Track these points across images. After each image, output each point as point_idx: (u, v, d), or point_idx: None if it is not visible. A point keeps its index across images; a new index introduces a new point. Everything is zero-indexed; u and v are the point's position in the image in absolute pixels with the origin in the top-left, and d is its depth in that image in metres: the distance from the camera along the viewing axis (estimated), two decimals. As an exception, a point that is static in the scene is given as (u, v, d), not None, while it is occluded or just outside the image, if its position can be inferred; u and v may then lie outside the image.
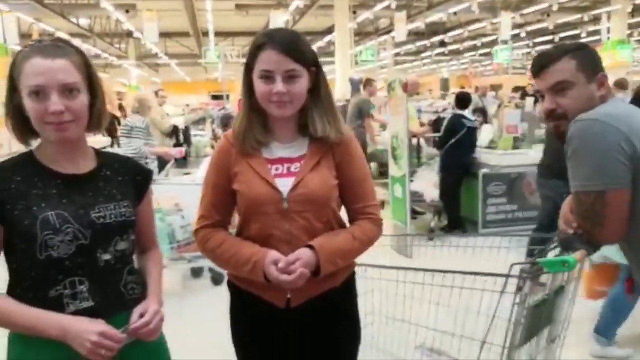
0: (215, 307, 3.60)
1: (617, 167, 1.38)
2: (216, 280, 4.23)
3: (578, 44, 1.62)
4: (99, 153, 1.40)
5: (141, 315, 1.30)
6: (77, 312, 1.24)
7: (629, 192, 1.40)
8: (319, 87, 1.48)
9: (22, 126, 1.27)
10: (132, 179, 1.41)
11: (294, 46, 1.40)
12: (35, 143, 1.32)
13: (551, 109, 1.56)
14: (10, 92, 1.25)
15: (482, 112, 6.82)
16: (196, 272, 4.44)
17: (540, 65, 1.57)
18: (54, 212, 1.22)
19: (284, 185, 1.44)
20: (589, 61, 1.54)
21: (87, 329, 1.19)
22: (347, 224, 1.56)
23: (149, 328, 1.29)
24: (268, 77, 1.39)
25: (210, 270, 4.28)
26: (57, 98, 1.21)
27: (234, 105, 9.74)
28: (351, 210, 1.55)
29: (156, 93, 7.57)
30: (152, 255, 1.50)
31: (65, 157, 1.30)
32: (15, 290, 1.26)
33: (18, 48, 11.32)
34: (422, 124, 7.46)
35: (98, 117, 1.33)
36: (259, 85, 1.41)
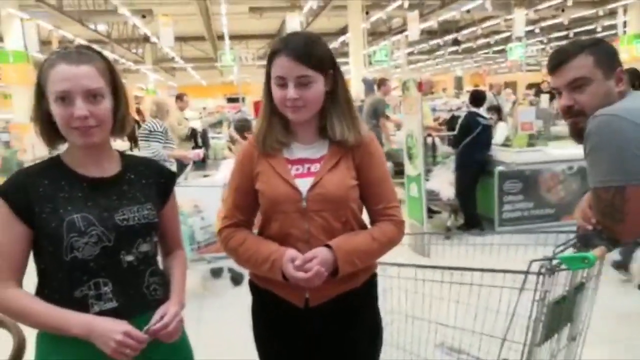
0: (235, 307, 3.66)
1: (636, 163, 1.36)
2: (236, 280, 4.29)
3: (595, 39, 1.59)
4: (123, 156, 1.43)
5: (162, 317, 1.32)
6: (101, 313, 1.27)
7: None
8: (336, 90, 1.50)
9: (50, 131, 1.31)
10: (156, 181, 1.44)
11: (307, 52, 1.40)
12: (63, 147, 1.36)
13: (569, 105, 1.54)
14: (38, 98, 1.29)
15: (496, 110, 6.77)
16: (216, 273, 4.50)
17: (557, 62, 1.55)
18: (80, 215, 1.26)
19: (304, 184, 1.47)
20: (606, 57, 1.52)
21: (112, 329, 1.22)
22: (369, 226, 1.57)
23: (167, 330, 1.31)
24: (282, 83, 1.42)
25: (230, 270, 4.34)
26: (82, 103, 1.24)
27: (250, 107, 9.81)
28: (372, 211, 1.56)
29: (181, 98, 7.65)
30: (177, 256, 1.52)
31: (91, 161, 1.33)
32: (43, 291, 1.30)
33: (39, 55, 11.54)
34: (440, 124, 7.46)
35: (122, 122, 1.36)
36: (275, 91, 1.45)
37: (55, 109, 1.25)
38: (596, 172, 1.44)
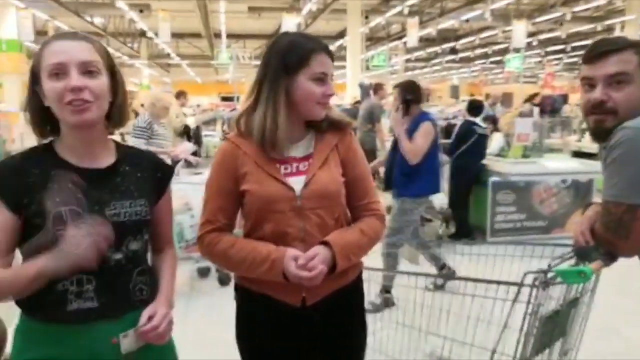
0: (222, 308, 3.61)
1: None
2: (223, 280, 4.23)
3: None
4: (119, 147, 1.38)
5: (150, 318, 1.27)
6: (79, 311, 1.22)
7: None
8: None
9: (41, 121, 1.26)
10: (152, 175, 1.38)
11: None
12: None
13: (602, 100, 1.43)
14: (31, 84, 1.24)
15: (492, 120, 6.79)
16: (203, 272, 4.44)
17: (602, 51, 1.43)
18: (68, 207, 1.20)
19: (295, 183, 1.46)
20: None
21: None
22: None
23: (157, 332, 1.26)
24: (322, 79, 1.45)
25: (217, 270, 4.28)
26: (77, 75, 1.19)
27: (245, 107, 9.76)
28: (355, 207, 1.56)
29: (182, 95, 7.59)
30: (167, 254, 1.47)
31: (84, 149, 1.28)
32: None
33: (32, 45, 11.43)
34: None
35: (120, 110, 1.31)
36: (311, 87, 1.44)
37: (49, 85, 1.20)
38: (612, 185, 1.38)
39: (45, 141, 1.32)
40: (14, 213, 1.21)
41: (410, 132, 3.62)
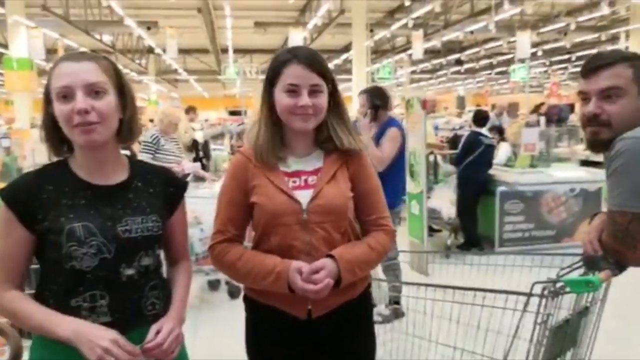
0: (232, 321, 3.61)
1: None
2: (233, 293, 4.25)
3: (636, 53, 1.53)
4: (132, 163, 1.40)
5: (157, 334, 1.28)
6: None
7: None
8: (338, 102, 1.54)
9: (55, 139, 1.29)
10: (164, 190, 1.40)
11: (317, 61, 1.45)
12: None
13: (596, 113, 1.48)
14: (45, 104, 1.28)
15: (498, 130, 6.79)
16: (213, 285, 4.47)
17: (594, 66, 1.48)
18: (81, 223, 1.23)
19: (302, 196, 1.47)
20: None
21: (100, 335, 1.18)
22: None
23: (162, 349, 1.26)
24: (294, 90, 1.43)
25: (227, 283, 4.30)
26: (83, 97, 1.21)
27: (252, 121, 9.86)
28: (365, 222, 1.57)
29: (193, 110, 7.68)
30: (182, 268, 1.49)
31: (96, 166, 1.30)
32: (42, 293, 1.28)
33: (43, 63, 11.58)
34: (442, 141, 7.47)
35: (129, 124, 1.32)
36: (284, 99, 1.44)
37: (58, 108, 1.23)
38: (616, 195, 1.40)
39: (57, 158, 1.34)
40: (28, 229, 1.23)
41: (378, 138, 3.57)
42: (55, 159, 1.33)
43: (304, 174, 1.51)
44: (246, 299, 1.61)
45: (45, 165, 1.34)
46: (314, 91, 1.44)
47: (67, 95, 1.22)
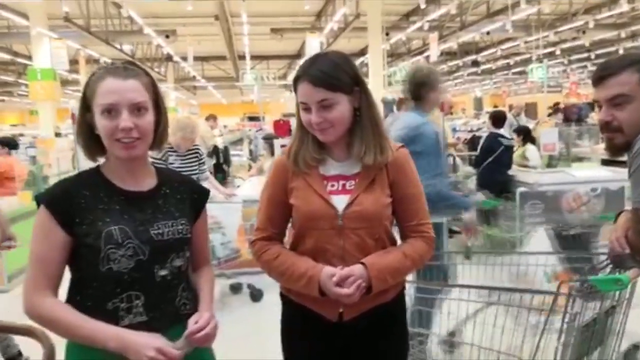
0: (253, 324, 3.65)
1: None
2: (255, 296, 4.27)
3: None
4: (159, 171, 1.46)
5: (196, 322, 1.33)
6: (130, 326, 1.28)
7: None
8: (364, 111, 1.49)
9: (91, 144, 1.35)
10: (190, 197, 1.46)
11: (325, 76, 1.42)
12: (101, 160, 1.39)
13: (607, 121, 1.53)
14: (82, 111, 1.33)
15: (525, 131, 6.64)
16: (235, 289, 4.50)
17: (601, 75, 1.54)
18: (117, 227, 1.28)
19: (339, 202, 1.48)
20: None
21: (145, 344, 1.23)
22: (399, 241, 1.58)
23: (205, 332, 1.31)
24: (305, 108, 1.46)
25: (249, 286, 4.34)
26: (128, 115, 1.28)
27: (270, 126, 9.94)
28: (404, 227, 1.57)
29: (213, 118, 7.81)
30: (205, 272, 1.53)
31: (128, 174, 1.36)
32: (75, 298, 1.32)
33: (65, 73, 11.79)
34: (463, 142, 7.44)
35: (161, 136, 1.39)
36: (302, 115, 1.49)
37: (101, 121, 1.28)
38: (639, 193, 1.42)
39: (90, 165, 1.40)
40: (67, 233, 1.28)
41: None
42: (84, 166, 1.40)
43: (342, 179, 1.52)
44: (282, 296, 1.64)
45: (79, 172, 1.40)
46: (323, 106, 1.43)
47: (112, 110, 1.28)
